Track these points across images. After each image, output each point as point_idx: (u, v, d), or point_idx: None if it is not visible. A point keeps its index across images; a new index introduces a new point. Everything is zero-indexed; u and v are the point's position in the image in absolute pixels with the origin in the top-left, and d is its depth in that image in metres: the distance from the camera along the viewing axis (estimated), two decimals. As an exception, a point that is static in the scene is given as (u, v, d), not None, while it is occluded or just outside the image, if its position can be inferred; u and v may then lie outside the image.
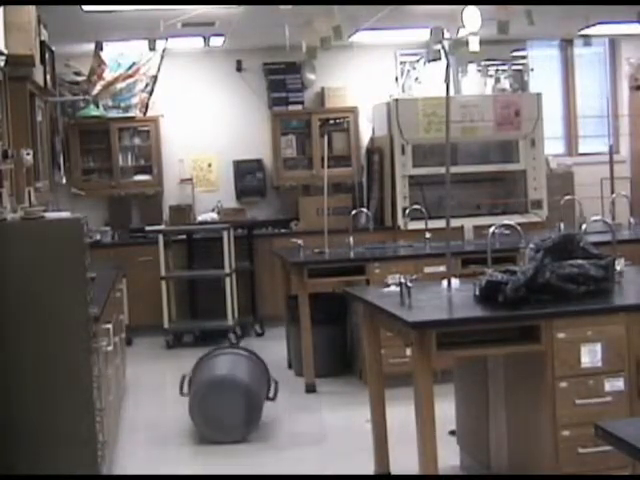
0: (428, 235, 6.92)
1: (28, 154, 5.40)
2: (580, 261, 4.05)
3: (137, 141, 9.49)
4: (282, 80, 9.55)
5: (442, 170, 4.62)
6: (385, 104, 9.02)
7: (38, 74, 6.16)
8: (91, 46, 8.53)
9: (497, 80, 9.31)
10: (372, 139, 9.58)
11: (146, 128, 9.41)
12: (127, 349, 7.54)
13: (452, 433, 4.79)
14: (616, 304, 4.04)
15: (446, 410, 4.54)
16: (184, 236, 9.10)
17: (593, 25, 8.63)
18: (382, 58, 9.68)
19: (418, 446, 3.89)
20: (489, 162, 9.23)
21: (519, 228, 4.82)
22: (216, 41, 8.64)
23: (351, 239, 6.93)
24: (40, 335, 4.03)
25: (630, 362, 3.82)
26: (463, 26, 6.72)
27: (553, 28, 8.76)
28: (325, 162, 7.77)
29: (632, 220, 7.34)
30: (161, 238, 8.48)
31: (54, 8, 6.38)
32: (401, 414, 4.56)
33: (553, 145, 9.98)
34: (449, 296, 4.34)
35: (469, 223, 7.47)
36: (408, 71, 9.45)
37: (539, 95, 9.17)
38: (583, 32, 8.85)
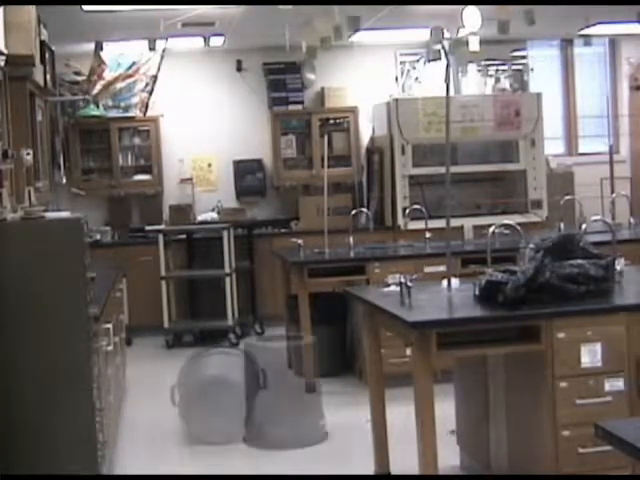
0: (428, 235, 6.92)
1: (28, 154, 5.39)
2: (580, 261, 4.05)
3: (137, 141, 9.49)
4: (282, 80, 9.55)
5: (442, 170, 4.62)
6: (385, 104, 9.02)
7: (38, 74, 6.16)
8: (91, 46, 8.54)
9: (497, 80, 9.31)
10: (372, 139, 9.58)
11: (146, 128, 9.41)
12: (127, 349, 7.54)
13: (453, 432, 4.79)
14: (616, 304, 4.04)
15: (446, 410, 4.54)
16: (184, 236, 9.10)
17: (593, 25, 8.63)
18: (382, 58, 9.68)
19: (418, 446, 3.89)
20: (489, 162, 9.24)
21: (519, 228, 4.82)
22: (216, 41, 8.64)
23: (351, 239, 6.93)
24: (40, 335, 4.03)
25: (630, 362, 3.82)
26: (463, 26, 6.72)
27: (553, 28, 8.79)
28: (325, 162, 7.77)
29: (632, 220, 7.34)
30: (161, 238, 8.48)
31: (54, 8, 6.38)
32: (401, 414, 4.56)
33: (553, 145, 9.98)
34: (449, 296, 4.34)
35: (469, 223, 7.48)
36: (408, 71, 9.46)
37: (539, 95, 9.17)
38: (583, 32, 8.87)
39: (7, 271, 4.00)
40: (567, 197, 7.49)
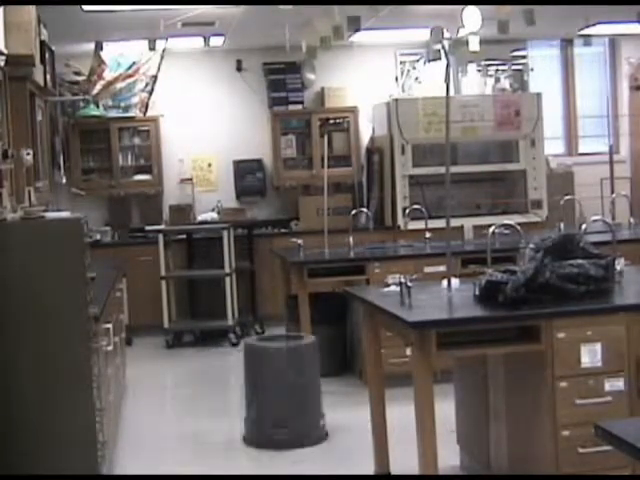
0: (428, 235, 6.93)
1: (28, 154, 5.40)
2: (580, 261, 4.05)
3: (137, 141, 9.49)
4: (282, 80, 9.55)
5: (442, 170, 4.62)
6: (385, 104, 9.02)
7: (38, 74, 6.16)
8: (91, 46, 8.54)
9: (497, 80, 9.31)
10: (372, 139, 9.58)
11: (146, 128, 9.41)
12: (127, 349, 7.54)
13: (453, 431, 4.78)
14: (616, 304, 4.04)
15: (446, 410, 4.54)
16: (184, 236, 9.09)
17: (593, 25, 8.63)
18: (382, 58, 9.68)
19: (418, 446, 3.89)
20: (489, 162, 9.24)
21: (519, 228, 4.82)
22: (216, 41, 8.64)
23: (351, 239, 6.93)
24: (40, 335, 4.03)
25: (630, 362, 3.82)
26: (463, 26, 6.72)
27: (553, 28, 8.79)
28: (325, 162, 7.77)
29: (632, 220, 7.34)
30: (161, 238, 8.48)
31: (54, 8, 6.38)
32: (401, 414, 4.56)
33: (553, 145, 9.98)
34: (449, 296, 4.34)
35: (469, 223, 7.48)
36: (408, 71, 9.45)
37: (539, 95, 9.18)
38: (583, 32, 8.86)
39: (7, 271, 4.00)
40: (567, 197, 7.49)
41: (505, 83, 9.30)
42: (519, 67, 9.60)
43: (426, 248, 6.84)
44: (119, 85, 9.18)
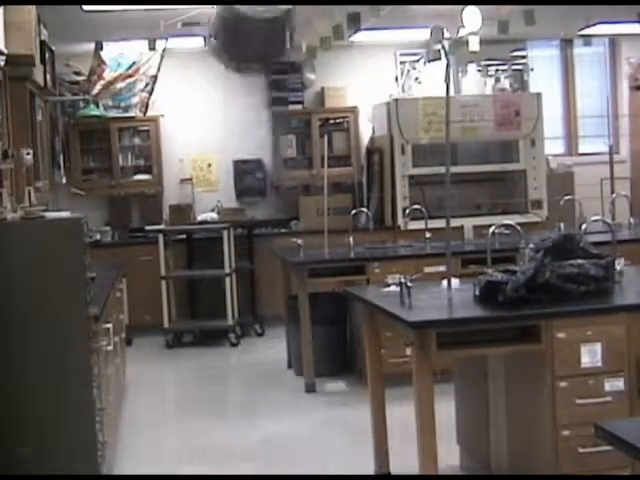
0: (428, 235, 6.93)
1: (28, 154, 5.40)
2: (580, 261, 4.05)
3: (137, 141, 9.49)
4: (282, 80, 9.55)
5: (442, 170, 4.62)
6: (385, 104, 9.02)
7: (38, 74, 6.17)
8: (91, 46, 8.54)
9: (497, 80, 9.31)
10: (372, 139, 9.58)
11: (146, 128, 9.41)
12: (127, 349, 7.54)
13: None
14: (616, 304, 4.04)
15: (446, 410, 4.54)
16: (184, 236, 9.10)
17: (593, 25, 8.63)
18: (382, 58, 9.68)
19: (418, 446, 3.89)
20: (489, 162, 9.24)
21: (519, 228, 4.82)
22: (216, 41, 8.64)
23: (351, 239, 6.93)
24: (40, 335, 4.03)
25: (630, 362, 3.82)
26: (463, 26, 6.72)
27: (553, 28, 8.78)
28: (325, 162, 7.77)
29: (632, 220, 7.35)
30: (161, 238, 8.48)
31: (54, 8, 6.38)
32: (401, 414, 4.56)
33: (553, 145, 9.98)
34: (449, 296, 4.34)
35: (469, 223, 7.47)
36: (408, 71, 9.45)
37: (539, 95, 9.18)
38: (583, 32, 8.86)
39: (7, 271, 4.00)
40: (567, 197, 7.48)
41: (505, 83, 9.30)
42: (519, 67, 9.60)
43: (426, 248, 6.84)
44: (119, 85, 9.18)
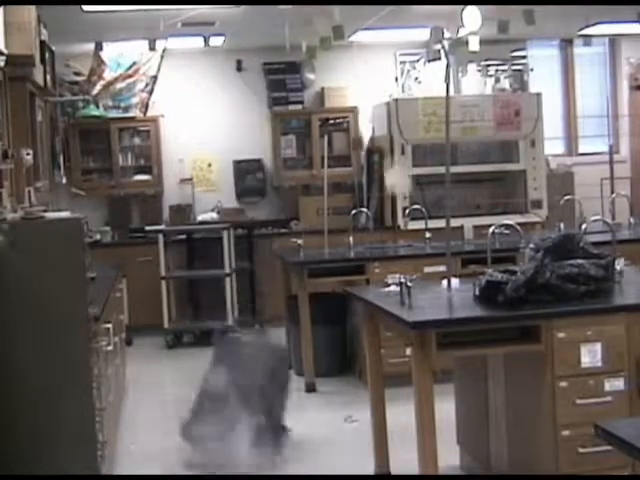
0: (428, 235, 6.93)
1: (28, 154, 5.40)
2: (580, 261, 4.05)
3: (137, 141, 9.49)
4: (282, 80, 9.55)
5: (442, 170, 4.62)
6: (385, 104, 9.02)
7: (38, 74, 6.16)
8: (91, 46, 8.54)
9: (497, 80, 9.31)
10: (372, 139, 9.57)
11: (146, 128, 9.41)
12: (127, 349, 7.54)
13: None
14: (616, 304, 4.04)
15: (446, 410, 4.54)
16: (184, 236, 9.10)
17: (593, 25, 8.63)
18: (382, 58, 9.68)
19: (418, 446, 3.89)
20: (489, 162, 9.24)
21: (519, 228, 4.82)
22: (216, 41, 8.64)
23: (351, 239, 6.93)
24: (40, 335, 4.02)
25: (630, 362, 3.82)
26: (463, 26, 6.72)
27: (553, 28, 8.78)
28: (325, 162, 7.78)
29: (632, 220, 7.34)
30: (161, 238, 8.48)
31: (54, 8, 6.38)
32: (401, 414, 4.56)
33: (553, 145, 9.98)
34: (449, 296, 4.34)
35: (469, 223, 7.48)
36: (408, 71, 9.45)
37: (539, 95, 9.18)
38: (583, 32, 8.86)
39: (7, 271, 4.00)
40: (567, 197, 7.48)
41: (505, 83, 9.30)
42: (519, 67, 9.60)
43: (426, 248, 6.84)
44: (119, 85, 9.18)
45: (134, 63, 9.17)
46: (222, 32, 8.27)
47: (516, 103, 9.06)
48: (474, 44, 7.18)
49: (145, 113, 9.29)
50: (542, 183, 9.14)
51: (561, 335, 3.78)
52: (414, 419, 3.91)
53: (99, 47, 8.50)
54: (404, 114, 8.79)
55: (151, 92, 9.23)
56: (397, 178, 8.33)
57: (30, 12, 5.55)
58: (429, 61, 8.62)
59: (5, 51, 5.17)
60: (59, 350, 4.05)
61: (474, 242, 7.00)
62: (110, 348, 4.86)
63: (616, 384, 3.81)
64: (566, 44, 10.29)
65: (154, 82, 9.20)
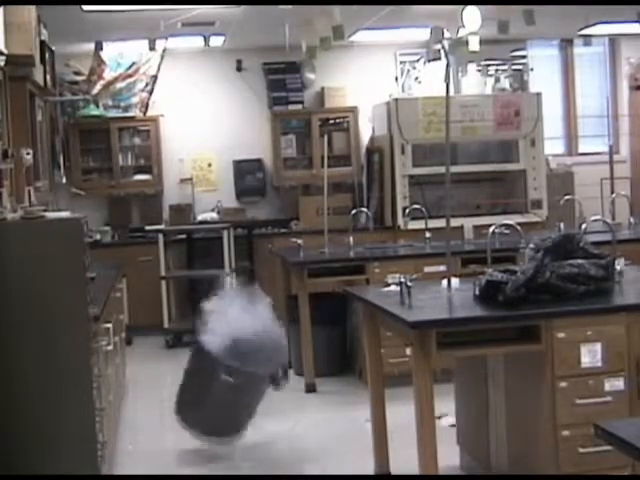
0: (428, 235, 6.93)
1: (28, 154, 5.39)
2: (580, 261, 4.05)
3: (137, 141, 9.49)
4: (282, 80, 9.55)
5: (442, 170, 4.62)
6: (385, 104, 9.02)
7: (38, 74, 6.16)
8: (91, 46, 8.53)
9: (497, 80, 9.31)
10: (372, 139, 9.57)
11: (146, 128, 9.41)
12: (127, 349, 7.54)
13: (453, 426, 4.78)
14: (616, 304, 4.03)
15: (446, 410, 4.54)
16: (184, 236, 9.10)
17: (593, 25, 8.63)
18: (382, 58, 9.68)
19: (418, 446, 3.89)
20: (489, 162, 9.24)
21: (519, 228, 4.82)
22: (216, 41, 8.64)
23: (351, 239, 6.93)
24: (40, 335, 4.03)
25: (630, 362, 3.82)
26: (463, 26, 6.72)
27: (553, 28, 8.78)
28: (325, 162, 7.77)
29: (632, 220, 7.34)
30: (161, 238, 8.48)
31: (54, 8, 6.38)
32: (401, 414, 4.56)
33: (553, 145, 9.98)
34: (449, 296, 4.34)
35: (469, 223, 7.48)
36: (408, 71, 9.45)
37: (539, 95, 9.18)
38: (583, 32, 8.86)
39: (7, 271, 4.00)
40: (567, 197, 7.48)
41: (505, 83, 9.30)
42: (519, 67, 9.60)
43: (426, 248, 6.84)
44: (119, 85, 9.18)
45: (134, 63, 9.17)
46: (222, 32, 8.27)
47: (516, 103, 9.06)
48: (474, 44, 7.18)
49: (145, 113, 9.29)
50: (542, 183, 9.14)
51: (561, 335, 3.78)
52: (414, 419, 3.90)
53: (99, 47, 8.49)
54: (404, 114, 8.79)
55: (151, 92, 9.23)
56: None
57: (30, 12, 5.55)
58: (429, 61, 8.64)
59: (5, 51, 5.17)
60: (59, 350, 4.05)
61: (474, 242, 7.00)
62: (110, 348, 4.86)
63: (616, 384, 3.81)
64: (566, 44, 10.29)
65: (154, 82, 9.20)
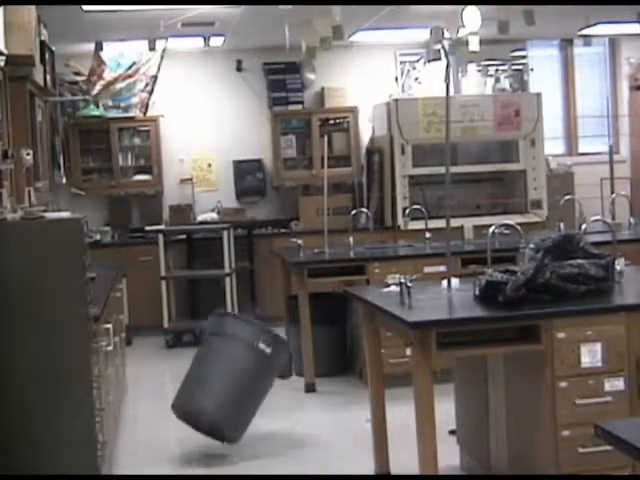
0: (428, 235, 6.93)
1: (28, 154, 5.39)
2: (580, 261, 4.05)
3: (137, 141, 9.49)
4: (282, 80, 9.55)
5: (442, 170, 4.62)
6: (385, 104, 9.02)
7: (38, 74, 6.16)
8: (91, 46, 8.53)
9: (497, 80, 9.31)
10: (372, 139, 9.58)
11: (146, 128, 9.41)
12: (127, 349, 7.54)
13: (452, 432, 4.79)
14: (616, 304, 4.03)
15: (446, 410, 4.54)
16: (184, 236, 9.10)
17: (593, 25, 8.63)
18: (382, 58, 9.68)
19: (418, 446, 3.89)
20: (489, 162, 9.24)
21: (519, 228, 4.82)
22: (216, 41, 8.65)
23: (351, 239, 6.93)
24: (40, 335, 4.03)
25: (630, 362, 3.82)
26: (463, 26, 6.72)
27: (553, 28, 8.78)
28: (325, 162, 7.77)
29: (632, 220, 7.35)
30: (161, 238, 8.48)
31: (54, 8, 6.38)
32: (401, 414, 4.56)
33: (553, 145, 9.98)
34: (449, 296, 4.34)
35: (469, 223, 7.47)
36: (408, 71, 9.45)
37: (539, 95, 9.18)
38: (583, 32, 8.86)
39: (7, 271, 4.00)
40: (567, 197, 7.49)
41: (505, 83, 9.30)
42: (519, 67, 9.60)
43: (426, 248, 6.84)
44: (119, 85, 9.18)
45: (134, 63, 9.17)
46: (222, 32, 8.28)
47: (516, 103, 9.06)
48: (474, 44, 7.18)
49: (145, 113, 9.29)
50: (542, 183, 9.15)
51: (561, 335, 3.78)
52: (414, 419, 3.90)
53: (99, 47, 8.50)
54: (404, 114, 8.79)
55: (151, 92, 9.22)
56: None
57: (30, 12, 5.55)
58: (429, 61, 8.62)
59: (5, 51, 5.17)
60: (59, 350, 4.05)
61: (474, 242, 7.00)
62: (110, 348, 4.86)
63: (616, 384, 3.80)
64: (566, 44, 10.29)
65: (154, 82, 9.20)
